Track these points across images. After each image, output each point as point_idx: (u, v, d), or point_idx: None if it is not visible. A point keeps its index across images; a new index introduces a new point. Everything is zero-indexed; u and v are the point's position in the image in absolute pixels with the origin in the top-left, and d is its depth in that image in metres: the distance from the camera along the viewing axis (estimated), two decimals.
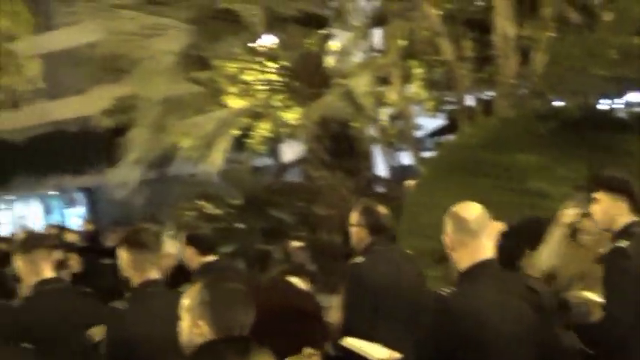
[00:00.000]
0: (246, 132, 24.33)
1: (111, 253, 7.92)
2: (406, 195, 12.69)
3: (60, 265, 15.80)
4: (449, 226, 4.68)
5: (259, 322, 7.35)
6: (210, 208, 13.51)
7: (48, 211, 50.11)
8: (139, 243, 5.75)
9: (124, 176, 12.65)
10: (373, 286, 6.77)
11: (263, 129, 25.53)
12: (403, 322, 6.54)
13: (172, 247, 8.51)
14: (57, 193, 46.13)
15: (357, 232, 7.09)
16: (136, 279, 5.67)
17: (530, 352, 4.58)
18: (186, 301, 4.02)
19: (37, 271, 6.18)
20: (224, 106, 13.67)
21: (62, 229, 28.55)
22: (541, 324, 4.62)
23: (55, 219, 43.16)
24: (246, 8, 11.30)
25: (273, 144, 27.16)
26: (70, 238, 21.04)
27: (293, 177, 21.58)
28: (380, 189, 20.33)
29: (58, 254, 16.74)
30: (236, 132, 14.95)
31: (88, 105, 38.64)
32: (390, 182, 18.93)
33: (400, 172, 18.74)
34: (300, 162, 21.67)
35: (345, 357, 6.52)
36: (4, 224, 49.21)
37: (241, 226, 13.00)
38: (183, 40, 11.57)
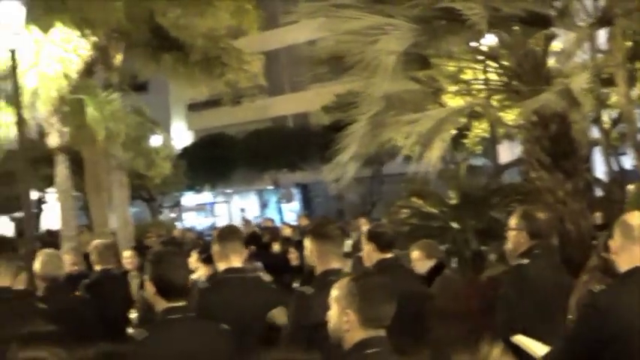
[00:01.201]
0: (463, 132, 24.29)
1: None
2: (628, 199, 12.39)
3: (277, 257, 16.25)
4: (616, 232, 4.83)
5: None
6: (425, 207, 13.56)
7: (264, 205, 51.53)
8: (323, 235, 6.23)
9: (340, 173, 12.81)
10: (536, 286, 6.90)
11: (480, 129, 25.45)
12: (562, 326, 6.56)
13: None
14: (273, 188, 47.36)
15: (516, 236, 7.26)
16: (319, 267, 6.17)
17: None
18: (335, 292, 4.40)
19: (227, 260, 6.75)
20: (442, 104, 13.65)
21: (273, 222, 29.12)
22: None
23: (271, 213, 44.37)
24: (470, 7, 11.22)
25: (490, 144, 27.08)
26: (286, 232, 21.65)
27: (510, 178, 21.40)
28: (599, 192, 19.91)
29: (276, 246, 17.30)
30: (453, 131, 14.91)
31: (306, 102, 39.60)
32: (610, 185, 18.50)
33: (621, 176, 18.29)
34: (517, 163, 21.44)
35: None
36: (221, 217, 51.03)
37: (456, 225, 12.98)
38: (406, 39, 11.61)
